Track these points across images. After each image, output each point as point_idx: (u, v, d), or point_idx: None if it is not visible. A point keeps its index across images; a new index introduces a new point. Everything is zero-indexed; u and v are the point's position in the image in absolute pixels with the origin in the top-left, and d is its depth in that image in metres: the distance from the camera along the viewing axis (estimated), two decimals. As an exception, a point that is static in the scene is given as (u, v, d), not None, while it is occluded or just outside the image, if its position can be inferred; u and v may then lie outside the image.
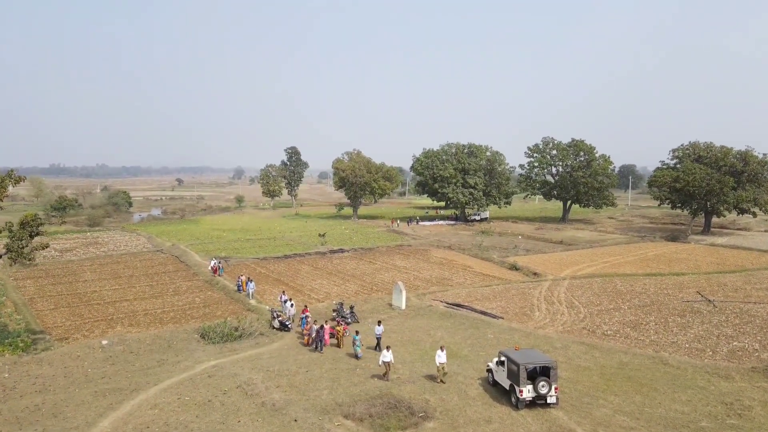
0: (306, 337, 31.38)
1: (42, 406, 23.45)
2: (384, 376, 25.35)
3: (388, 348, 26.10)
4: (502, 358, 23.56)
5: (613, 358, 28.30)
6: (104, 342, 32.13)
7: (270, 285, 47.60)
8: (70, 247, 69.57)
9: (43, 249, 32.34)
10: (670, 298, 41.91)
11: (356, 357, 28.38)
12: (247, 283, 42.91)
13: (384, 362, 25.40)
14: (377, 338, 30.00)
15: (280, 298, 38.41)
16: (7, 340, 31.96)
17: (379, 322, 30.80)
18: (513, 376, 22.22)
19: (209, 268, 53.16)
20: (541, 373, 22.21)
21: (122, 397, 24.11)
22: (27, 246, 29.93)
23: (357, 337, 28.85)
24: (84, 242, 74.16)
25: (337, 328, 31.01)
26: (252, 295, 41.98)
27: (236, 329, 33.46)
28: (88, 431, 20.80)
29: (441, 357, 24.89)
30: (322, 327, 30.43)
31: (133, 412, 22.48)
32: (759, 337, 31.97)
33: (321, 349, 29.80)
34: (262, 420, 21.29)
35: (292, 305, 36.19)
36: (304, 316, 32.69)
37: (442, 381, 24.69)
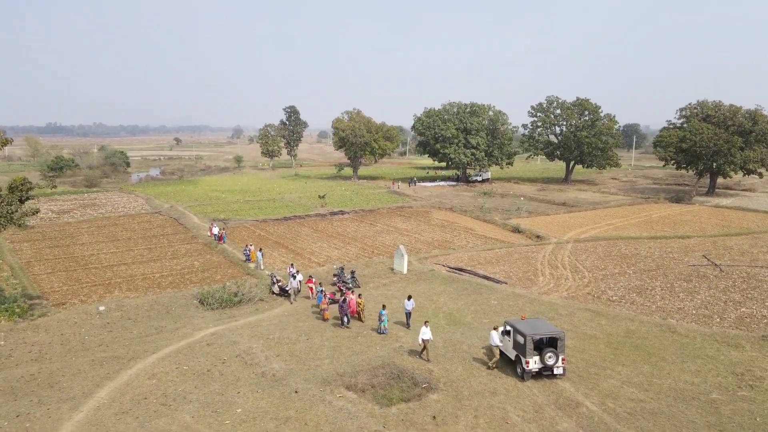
0: (324, 312, 29.40)
1: (38, 375, 22.97)
2: (425, 355, 23.45)
3: (426, 323, 23.73)
4: (508, 328, 22.92)
5: (619, 326, 27.73)
6: (101, 308, 31.55)
7: (270, 248, 46.86)
8: (67, 208, 68.71)
9: (34, 214, 31.37)
10: (676, 262, 41.27)
11: (381, 333, 26.80)
12: (257, 254, 40.72)
13: (423, 340, 23.39)
14: (407, 314, 27.99)
15: (289, 270, 35.94)
16: (3, 306, 31.25)
17: (409, 297, 28.40)
18: (519, 346, 21.63)
19: (208, 234, 51.81)
20: (548, 344, 21.62)
21: (119, 366, 23.60)
22: (17, 211, 28.97)
23: (384, 312, 26.87)
24: (81, 203, 73.25)
25: (358, 300, 29.03)
26: (261, 266, 40.00)
27: (235, 294, 32.90)
28: (84, 402, 20.30)
29: (495, 339, 22.60)
30: (345, 299, 28.46)
31: (131, 381, 22.00)
32: (767, 303, 31.39)
33: (348, 323, 27.89)
34: (261, 391, 20.80)
35: (295, 278, 33.62)
36: (320, 289, 30.69)
37: (495, 366, 22.38)
